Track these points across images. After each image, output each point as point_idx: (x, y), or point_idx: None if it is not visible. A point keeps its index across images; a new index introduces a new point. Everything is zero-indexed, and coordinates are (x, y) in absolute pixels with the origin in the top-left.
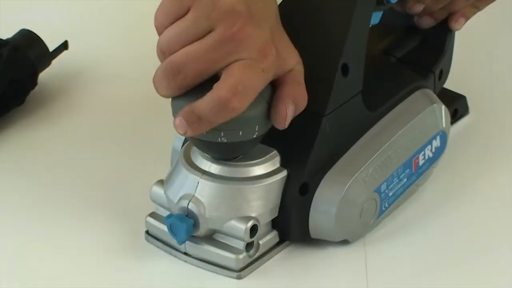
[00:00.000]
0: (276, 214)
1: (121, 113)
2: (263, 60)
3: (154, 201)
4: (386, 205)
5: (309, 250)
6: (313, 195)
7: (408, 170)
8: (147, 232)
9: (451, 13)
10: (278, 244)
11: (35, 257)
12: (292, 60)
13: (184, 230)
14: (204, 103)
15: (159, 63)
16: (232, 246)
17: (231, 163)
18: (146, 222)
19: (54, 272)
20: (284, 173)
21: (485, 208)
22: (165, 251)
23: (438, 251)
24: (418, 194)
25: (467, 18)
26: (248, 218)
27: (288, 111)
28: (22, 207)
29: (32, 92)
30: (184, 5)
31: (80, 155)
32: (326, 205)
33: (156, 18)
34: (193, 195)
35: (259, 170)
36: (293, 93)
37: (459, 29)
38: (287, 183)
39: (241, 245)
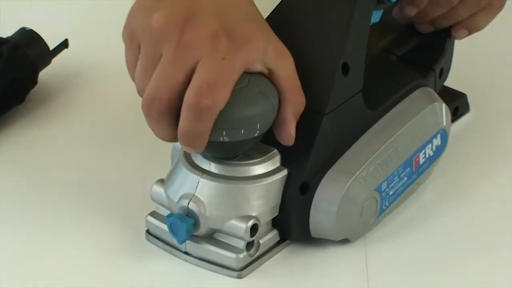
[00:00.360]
0: (276, 213)
1: (122, 112)
2: (217, 49)
3: (154, 200)
4: (387, 204)
5: (310, 249)
6: (314, 194)
7: (408, 168)
8: (147, 231)
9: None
10: (278, 243)
11: (35, 257)
12: (256, 39)
13: (184, 230)
14: (183, 119)
15: None
16: (232, 246)
17: (231, 162)
18: (147, 221)
19: (54, 272)
20: (284, 172)
21: (485, 208)
22: (166, 250)
23: (438, 251)
24: (419, 194)
25: (469, 31)
26: (249, 218)
27: (292, 132)
28: (22, 206)
29: (32, 91)
30: (136, 47)
31: (80, 154)
32: (326, 204)
33: (128, 70)
34: (194, 195)
35: (259, 169)
36: (294, 108)
37: (460, 39)
38: (288, 182)
39: (241, 244)
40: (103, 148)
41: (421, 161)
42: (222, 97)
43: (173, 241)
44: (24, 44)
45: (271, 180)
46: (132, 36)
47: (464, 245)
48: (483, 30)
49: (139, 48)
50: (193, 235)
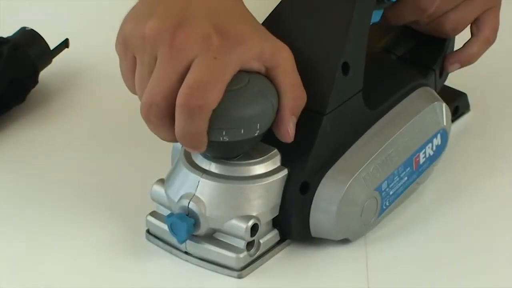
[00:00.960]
0: (276, 213)
1: (122, 112)
2: (209, 48)
3: (154, 200)
4: (387, 204)
5: (310, 249)
6: (314, 194)
7: (408, 168)
8: (147, 231)
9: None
10: (279, 243)
11: (35, 257)
12: (251, 38)
13: (184, 229)
14: (177, 120)
15: None
16: (232, 245)
17: (231, 162)
18: (147, 221)
19: (54, 272)
20: (284, 172)
21: (485, 208)
22: (166, 250)
23: (439, 251)
24: (419, 194)
25: (462, 65)
26: (249, 217)
27: (290, 129)
28: (22, 206)
29: (32, 91)
30: (130, 57)
31: (80, 154)
32: (326, 204)
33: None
34: (194, 194)
35: (259, 169)
36: (294, 104)
37: (451, 71)
38: (288, 182)
39: (241, 244)
40: (103, 148)
41: (421, 160)
42: (213, 96)
43: (173, 241)
44: (25, 44)
45: (271, 180)
46: (126, 47)
47: (464, 245)
48: None
49: (134, 58)
50: (193, 235)
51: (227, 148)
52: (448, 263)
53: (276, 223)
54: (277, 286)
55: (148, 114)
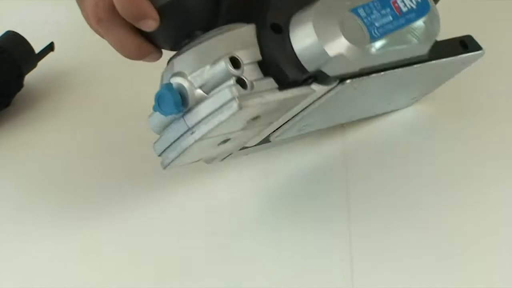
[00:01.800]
0: (259, 57)
1: (108, 114)
2: None
3: (155, 131)
4: (376, 32)
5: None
6: (288, 30)
7: (389, 9)
8: (162, 163)
9: None
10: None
11: (32, 258)
12: None
13: (170, 96)
14: None
15: (145, 63)
16: (225, 89)
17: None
18: (155, 149)
19: (53, 272)
20: (251, 25)
21: (485, 208)
22: (178, 151)
23: (438, 251)
24: (417, 194)
25: None
26: (225, 55)
27: None
28: (9, 210)
29: (18, 94)
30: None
31: (68, 156)
32: (303, 28)
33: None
34: (172, 72)
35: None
36: None
37: None
38: (258, 30)
39: (231, 82)
40: (90, 151)
41: (403, 8)
42: None
43: (178, 133)
44: (10, 47)
45: (238, 28)
46: None
47: (464, 245)
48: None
49: None
50: (188, 110)
51: (181, 14)
52: (447, 263)
53: (268, 72)
54: None
55: (96, 13)
